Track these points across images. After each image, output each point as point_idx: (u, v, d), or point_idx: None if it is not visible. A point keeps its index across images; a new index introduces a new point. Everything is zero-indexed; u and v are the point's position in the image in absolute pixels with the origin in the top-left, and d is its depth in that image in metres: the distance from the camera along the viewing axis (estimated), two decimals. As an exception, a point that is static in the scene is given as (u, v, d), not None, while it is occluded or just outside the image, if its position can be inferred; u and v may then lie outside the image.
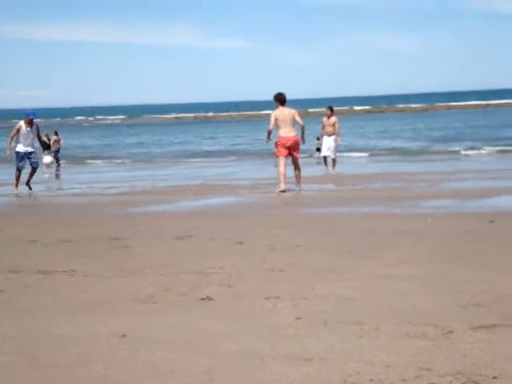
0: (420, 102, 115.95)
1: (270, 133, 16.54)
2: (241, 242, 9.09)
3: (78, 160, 37.34)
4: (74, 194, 17.64)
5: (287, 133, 16.22)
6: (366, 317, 5.44)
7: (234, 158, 33.36)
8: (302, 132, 16.56)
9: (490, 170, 21.42)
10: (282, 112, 16.29)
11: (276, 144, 16.54)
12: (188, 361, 4.57)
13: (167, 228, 10.74)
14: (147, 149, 44.91)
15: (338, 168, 22.37)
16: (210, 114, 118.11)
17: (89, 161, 36.02)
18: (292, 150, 16.33)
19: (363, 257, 7.92)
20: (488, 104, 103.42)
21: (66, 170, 30.64)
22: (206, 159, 33.24)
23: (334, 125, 22.35)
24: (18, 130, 18.70)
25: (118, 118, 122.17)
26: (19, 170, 18.62)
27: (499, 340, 4.80)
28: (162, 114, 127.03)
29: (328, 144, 22.40)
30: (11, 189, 18.41)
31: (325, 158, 22.69)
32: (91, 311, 5.93)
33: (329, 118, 22.49)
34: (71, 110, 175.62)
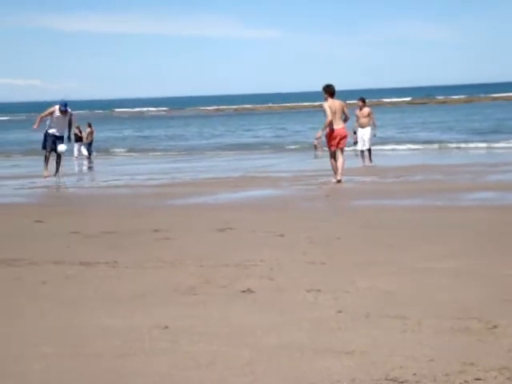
0: (462, 94, 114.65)
1: (331, 123, 16.41)
2: (282, 235, 9.08)
3: (119, 152, 37.62)
4: (116, 186, 17.75)
5: (337, 125, 16.43)
6: (409, 310, 5.39)
7: (274, 149, 33.31)
8: (345, 121, 16.79)
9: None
10: (334, 103, 16.43)
11: (327, 136, 16.62)
12: (228, 353, 4.56)
13: (208, 220, 10.76)
14: (188, 141, 45.06)
15: (374, 160, 22.05)
16: (249, 105, 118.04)
17: (131, 153, 36.24)
18: (340, 141, 16.50)
19: (404, 250, 7.86)
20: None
21: (106, 161, 30.85)
22: (246, 151, 33.25)
23: (367, 116, 21.97)
24: (51, 113, 18.79)
25: (160, 109, 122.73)
26: (47, 150, 18.78)
27: (544, 335, 4.73)
28: (203, 105, 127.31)
29: (362, 136, 22.00)
30: (43, 174, 18.63)
31: (362, 151, 22.26)
32: (133, 302, 5.96)
33: (361, 109, 22.11)
34: (111, 102, 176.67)
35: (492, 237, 8.63)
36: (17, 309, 5.90)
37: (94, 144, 35.56)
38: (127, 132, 60.73)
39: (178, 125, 70.00)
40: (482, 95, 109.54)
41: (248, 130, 54.86)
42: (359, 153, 22.63)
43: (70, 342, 4.91)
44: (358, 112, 22.20)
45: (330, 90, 16.49)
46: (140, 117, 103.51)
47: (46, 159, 18.76)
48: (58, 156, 18.96)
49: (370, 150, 22.02)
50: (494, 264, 6.98)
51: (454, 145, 30.89)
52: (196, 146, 39.26)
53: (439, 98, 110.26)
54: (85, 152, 34.73)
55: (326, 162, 21.09)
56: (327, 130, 16.46)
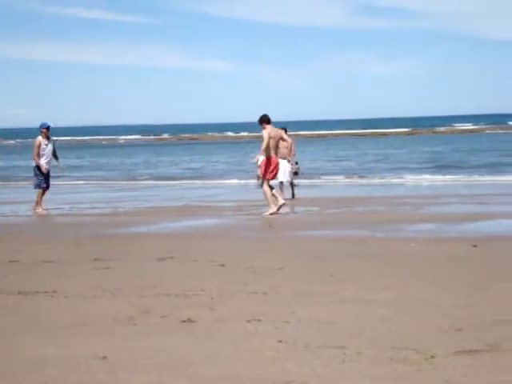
0: (406, 127, 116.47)
1: (268, 152, 16.15)
2: (223, 265, 9.07)
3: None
4: (57, 214, 17.54)
5: (276, 154, 16.24)
6: (348, 341, 5.42)
7: (217, 179, 33.32)
8: (291, 150, 16.76)
9: (469, 194, 21.51)
10: (273, 130, 16.23)
11: (264, 164, 16.22)
12: (168, 384, 4.53)
13: (149, 249, 10.70)
14: (126, 171, 44.80)
15: (298, 193, 21.07)
16: (194, 135, 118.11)
17: (75, 181, 35.90)
18: (276, 172, 16.46)
19: (345, 280, 7.91)
20: (479, 128, 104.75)
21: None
22: (188, 181, 33.19)
23: (289, 147, 20.55)
24: (39, 146, 18.12)
25: (100, 138, 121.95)
26: (42, 188, 18.05)
27: (481, 365, 4.79)
28: (144, 134, 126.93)
29: (284, 168, 20.15)
30: (31, 208, 17.95)
31: (281, 183, 20.58)
32: (71, 332, 5.88)
33: (282, 139, 20.41)
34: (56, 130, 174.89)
35: (431, 268, 8.74)
36: (-49, 339, 5.77)
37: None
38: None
39: (118, 153, 69.60)
40: (424, 128, 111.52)
41: (187, 161, 54.76)
42: (279, 184, 20.73)
43: (5, 372, 4.82)
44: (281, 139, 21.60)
45: (266, 118, 16.24)
46: (83, 145, 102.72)
47: (41, 195, 18.03)
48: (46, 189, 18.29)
49: (292, 184, 21.08)
50: (433, 295, 7.07)
51: (396, 178, 31.23)
52: (137, 175, 39.03)
53: (383, 130, 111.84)
54: None
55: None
56: (266, 158, 16.10)
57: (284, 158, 20.16)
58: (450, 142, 64.28)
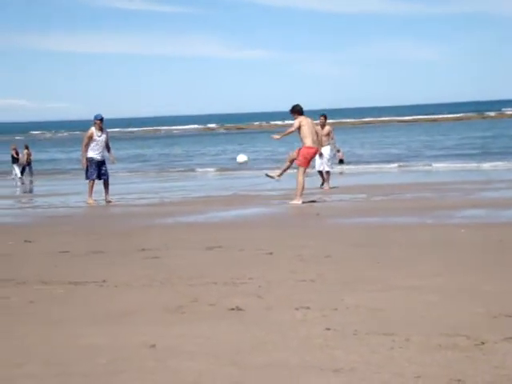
0: (450, 113, 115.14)
1: (289, 133, 16.36)
2: (271, 253, 9.07)
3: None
4: (105, 205, 17.72)
5: (314, 143, 16.15)
6: (397, 328, 5.38)
7: (263, 169, 33.29)
8: (321, 141, 16.85)
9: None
10: (306, 120, 16.18)
11: (301, 153, 16.18)
12: (216, 372, 4.54)
13: (197, 238, 10.74)
14: (176, 161, 45.03)
15: (332, 182, 20.66)
16: (239, 125, 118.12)
17: (123, 173, 36.22)
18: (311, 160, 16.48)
19: (393, 268, 7.86)
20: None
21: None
22: (232, 172, 33.24)
23: (328, 134, 20.46)
24: (91, 137, 18.00)
25: (147, 129, 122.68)
26: (92, 179, 18.03)
27: (532, 351, 4.72)
28: (189, 124, 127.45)
29: (319, 156, 20.16)
30: (86, 200, 18.01)
31: (320, 172, 20.75)
32: (121, 321, 5.94)
33: (322, 127, 20.36)
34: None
35: (480, 254, 8.64)
36: (3, 329, 5.86)
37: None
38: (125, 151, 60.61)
39: (167, 143, 70.03)
40: (473, 113, 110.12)
41: (238, 151, 54.83)
42: (318, 173, 20.96)
43: (56, 361, 4.88)
44: (318, 129, 20.99)
45: (298, 108, 16.27)
46: (129, 136, 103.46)
47: (91, 187, 18.03)
48: (106, 182, 18.19)
49: (328, 173, 20.58)
50: (482, 281, 6.99)
51: (443, 164, 30.92)
52: (186, 166, 39.23)
53: (428, 116, 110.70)
54: (18, 172, 36.18)
55: (318, 180, 21.06)
56: (304, 147, 16.03)
57: (322, 146, 20.17)
58: (498, 127, 63.32)
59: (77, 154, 51.18)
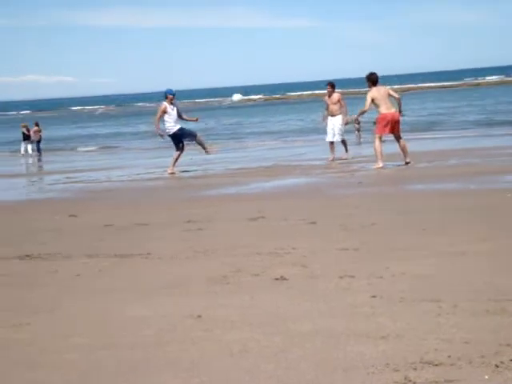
0: (496, 74, 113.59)
1: (363, 112, 17.13)
2: (314, 222, 9.03)
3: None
4: (148, 179, 17.81)
5: (388, 109, 16.47)
6: (443, 294, 5.33)
7: (306, 137, 33.18)
8: (399, 105, 16.72)
9: None
10: (378, 91, 16.53)
11: (377, 121, 16.67)
12: (261, 341, 4.54)
13: (240, 210, 10.74)
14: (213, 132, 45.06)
15: (336, 153, 19.66)
16: (280, 95, 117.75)
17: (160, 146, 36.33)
18: (393, 125, 16.52)
19: (438, 234, 7.78)
20: None
21: (136, 153, 30.92)
22: (277, 141, 33.17)
23: (337, 102, 19.63)
24: (164, 111, 18.57)
25: (191, 101, 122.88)
26: (181, 150, 18.65)
27: None
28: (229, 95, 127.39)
29: (333, 126, 19.70)
30: (168, 170, 18.49)
31: (331, 143, 19.80)
32: (166, 293, 5.96)
33: (330, 96, 19.75)
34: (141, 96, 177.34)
35: (528, 218, 8.52)
36: (51, 301, 5.93)
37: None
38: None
39: (210, 116, 70.06)
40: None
41: (277, 121, 54.69)
42: (328, 144, 20.05)
43: (102, 333, 4.93)
44: (326, 98, 19.98)
45: (373, 78, 16.65)
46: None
47: (177, 158, 18.60)
48: (183, 149, 18.77)
49: (344, 141, 19.89)
50: (530, 245, 6.89)
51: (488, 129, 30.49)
52: (224, 137, 39.23)
53: (473, 80, 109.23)
54: (30, 150, 37.04)
55: (359, 148, 20.92)
56: (379, 115, 16.49)
57: (334, 116, 19.82)
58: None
59: (86, 131, 51.56)
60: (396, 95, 16.89)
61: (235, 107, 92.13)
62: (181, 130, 18.84)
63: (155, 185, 16.44)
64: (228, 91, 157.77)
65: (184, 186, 15.45)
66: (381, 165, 16.16)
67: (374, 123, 17.03)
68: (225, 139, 37.04)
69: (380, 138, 16.53)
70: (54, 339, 4.86)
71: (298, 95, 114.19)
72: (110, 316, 5.35)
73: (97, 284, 6.48)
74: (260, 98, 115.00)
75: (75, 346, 4.66)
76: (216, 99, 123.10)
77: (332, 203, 11.12)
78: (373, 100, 16.40)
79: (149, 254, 7.66)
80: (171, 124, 18.67)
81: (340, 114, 19.80)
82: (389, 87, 17.41)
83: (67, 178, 19.06)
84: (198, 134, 19.33)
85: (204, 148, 19.34)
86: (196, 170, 19.12)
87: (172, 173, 18.32)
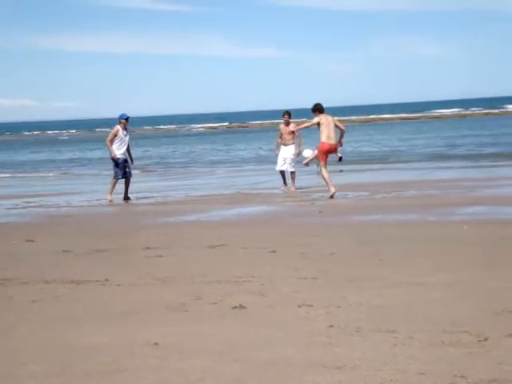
0: (455, 107, 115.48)
1: (305, 127, 18.03)
2: (274, 251, 9.06)
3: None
4: (107, 205, 17.72)
5: (329, 139, 16.86)
6: (399, 325, 5.38)
7: (267, 166, 33.29)
8: (341, 136, 17.15)
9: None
10: (326, 118, 16.96)
11: (319, 148, 17.05)
12: (219, 369, 4.54)
13: (200, 237, 10.74)
14: (180, 159, 45.05)
15: (296, 182, 19.60)
16: (242, 123, 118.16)
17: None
18: (330, 154, 17.10)
19: (396, 265, 7.85)
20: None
21: (93, 179, 30.79)
22: (237, 168, 33.25)
23: (292, 132, 19.42)
24: (115, 135, 18.28)
25: (153, 128, 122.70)
26: (117, 179, 18.33)
27: (535, 347, 4.72)
28: (193, 123, 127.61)
29: (285, 155, 19.58)
30: (105, 196, 18.25)
31: (282, 172, 19.67)
32: (124, 320, 5.94)
33: (287, 124, 19.58)
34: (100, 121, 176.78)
35: (482, 250, 8.63)
36: (6, 327, 5.87)
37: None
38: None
39: (170, 143, 70.02)
40: (476, 109, 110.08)
41: (242, 149, 54.81)
42: (279, 174, 19.93)
43: (58, 360, 4.89)
44: (282, 127, 19.77)
45: (319, 107, 17.12)
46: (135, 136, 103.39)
47: (114, 185, 18.27)
48: (128, 179, 18.45)
49: (293, 173, 19.58)
50: (484, 277, 6.99)
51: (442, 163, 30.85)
52: (187, 164, 39.23)
53: (434, 113, 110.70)
54: None
55: (317, 178, 21.03)
56: (320, 142, 16.89)
57: (286, 145, 19.74)
58: (504, 125, 63.16)
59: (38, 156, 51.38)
60: (342, 126, 17.33)
61: (197, 134, 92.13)
62: (125, 162, 18.51)
63: (115, 210, 16.36)
64: (190, 118, 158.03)
65: (144, 212, 15.41)
66: (333, 190, 16.55)
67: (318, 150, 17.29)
68: (185, 166, 37.04)
69: (325, 165, 16.96)
70: (10, 366, 4.80)
71: (260, 124, 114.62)
72: (67, 343, 5.31)
73: (53, 310, 6.42)
74: (221, 126, 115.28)
75: (31, 374, 4.62)
76: (177, 126, 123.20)
77: (292, 232, 11.17)
78: (319, 124, 16.83)
79: (106, 280, 7.62)
80: (120, 151, 18.33)
81: (293, 144, 19.71)
82: (336, 118, 17.77)
83: (26, 202, 18.88)
84: (130, 179, 18.71)
85: (126, 190, 18.44)
86: (156, 197, 19.07)
87: (110, 199, 18.03)
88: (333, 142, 16.88)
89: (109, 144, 18.47)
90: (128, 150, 18.62)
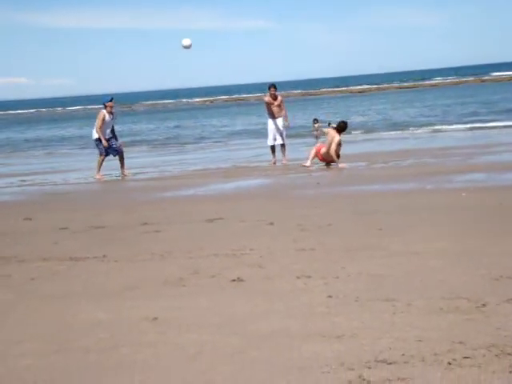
0: (452, 76, 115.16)
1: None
2: (272, 223, 9.05)
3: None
4: (104, 181, 17.69)
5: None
6: (398, 293, 5.37)
7: (265, 139, 33.17)
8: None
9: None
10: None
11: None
12: (217, 342, 4.54)
13: (197, 211, 10.72)
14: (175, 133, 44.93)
15: (289, 154, 19.51)
16: (240, 96, 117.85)
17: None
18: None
19: (394, 234, 7.84)
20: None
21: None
22: (234, 141, 33.16)
23: (279, 105, 19.34)
24: (103, 120, 18.46)
25: (148, 103, 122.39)
26: (103, 156, 18.50)
27: (534, 312, 4.71)
28: (191, 98, 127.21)
29: (275, 128, 19.43)
30: (95, 176, 18.36)
31: (272, 146, 19.50)
32: (122, 296, 5.93)
33: (274, 98, 19.39)
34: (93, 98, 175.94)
35: (482, 217, 8.62)
36: (4, 306, 5.86)
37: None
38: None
39: (171, 117, 69.83)
40: (471, 77, 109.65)
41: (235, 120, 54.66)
42: (269, 148, 19.79)
43: (56, 337, 4.88)
44: (269, 100, 19.51)
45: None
46: (127, 112, 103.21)
47: (100, 163, 18.49)
48: (121, 153, 18.63)
49: (284, 146, 19.41)
50: (483, 244, 6.98)
51: (440, 127, 30.79)
52: (181, 138, 39.12)
53: (429, 82, 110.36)
54: None
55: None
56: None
57: (275, 118, 19.55)
58: (498, 92, 62.96)
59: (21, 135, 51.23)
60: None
61: (195, 109, 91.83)
62: (111, 139, 18.66)
63: (112, 187, 16.33)
64: (187, 92, 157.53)
65: (141, 187, 15.37)
66: (308, 164, 17.36)
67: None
68: (183, 140, 36.95)
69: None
70: (8, 344, 4.80)
71: (257, 97, 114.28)
72: (65, 320, 5.30)
73: (51, 288, 6.41)
74: (217, 99, 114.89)
75: (29, 351, 4.61)
76: (173, 101, 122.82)
77: (290, 204, 11.15)
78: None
79: (104, 256, 7.61)
80: (105, 133, 18.52)
81: (281, 116, 19.61)
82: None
83: (22, 180, 18.84)
84: (124, 152, 18.80)
85: (122, 167, 18.58)
86: (153, 172, 19.03)
87: (100, 178, 18.13)
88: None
89: (99, 131, 18.53)
90: (112, 131, 18.81)
